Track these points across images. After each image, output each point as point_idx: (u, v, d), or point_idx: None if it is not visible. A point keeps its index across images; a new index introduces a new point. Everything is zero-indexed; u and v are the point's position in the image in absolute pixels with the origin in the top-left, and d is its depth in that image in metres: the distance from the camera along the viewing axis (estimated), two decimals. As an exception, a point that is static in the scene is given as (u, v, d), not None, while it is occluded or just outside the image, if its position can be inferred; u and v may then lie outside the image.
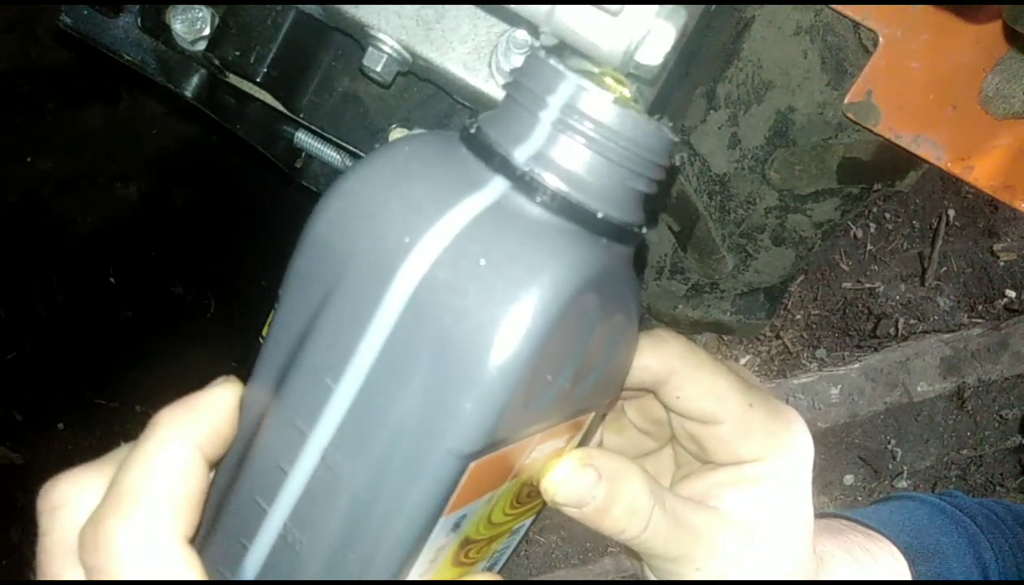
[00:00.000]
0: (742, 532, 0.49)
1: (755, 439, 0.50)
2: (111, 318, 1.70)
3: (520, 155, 0.38)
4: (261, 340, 0.41)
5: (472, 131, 0.39)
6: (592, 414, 0.46)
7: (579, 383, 0.40)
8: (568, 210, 0.38)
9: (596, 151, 0.38)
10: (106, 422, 1.70)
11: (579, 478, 0.45)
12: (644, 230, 0.41)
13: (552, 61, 0.38)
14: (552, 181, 0.38)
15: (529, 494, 0.46)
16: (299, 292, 0.39)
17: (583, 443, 0.48)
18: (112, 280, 1.70)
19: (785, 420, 0.51)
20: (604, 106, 0.38)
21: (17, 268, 1.65)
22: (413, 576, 0.40)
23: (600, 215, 0.38)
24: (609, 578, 1.98)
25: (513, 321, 0.34)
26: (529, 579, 1.96)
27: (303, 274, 0.39)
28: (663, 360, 0.48)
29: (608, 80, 0.40)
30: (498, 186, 0.37)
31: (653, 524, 0.46)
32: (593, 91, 0.38)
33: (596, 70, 0.41)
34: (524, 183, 0.37)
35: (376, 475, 0.36)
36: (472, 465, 0.37)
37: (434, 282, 0.35)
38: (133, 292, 1.71)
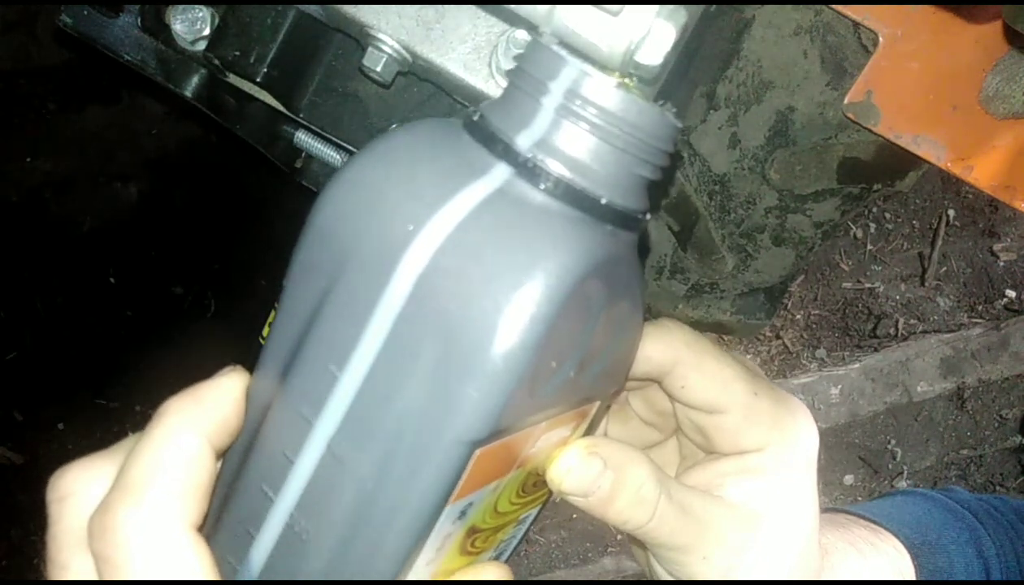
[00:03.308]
0: (748, 521, 0.49)
1: (760, 428, 0.49)
2: (111, 318, 1.70)
3: (523, 142, 0.38)
4: (262, 341, 0.41)
5: (475, 118, 0.39)
6: (598, 403, 0.46)
7: (584, 371, 0.40)
8: (572, 196, 0.38)
9: (599, 137, 0.38)
10: (106, 422, 1.70)
11: (585, 467, 0.44)
12: (648, 217, 0.41)
13: (554, 47, 0.38)
14: (555, 167, 0.37)
15: (535, 483, 0.46)
16: (303, 282, 0.39)
17: (588, 433, 0.48)
18: (112, 280, 1.70)
19: (790, 409, 0.51)
20: (607, 91, 0.38)
21: (17, 268, 1.65)
22: (420, 563, 0.40)
23: (604, 201, 0.38)
24: (609, 578, 1.98)
25: (518, 308, 0.34)
26: (529, 579, 1.96)
27: (307, 264, 0.39)
28: (668, 349, 0.48)
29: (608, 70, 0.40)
30: (501, 173, 0.37)
31: (659, 513, 0.46)
32: (596, 76, 0.38)
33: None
34: (527, 170, 0.37)
35: (382, 463, 0.36)
36: (477, 452, 0.37)
37: (438, 269, 0.35)
38: (133, 292, 1.70)
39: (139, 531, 0.37)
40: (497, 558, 0.49)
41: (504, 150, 0.38)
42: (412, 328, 0.35)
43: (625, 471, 0.45)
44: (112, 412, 1.71)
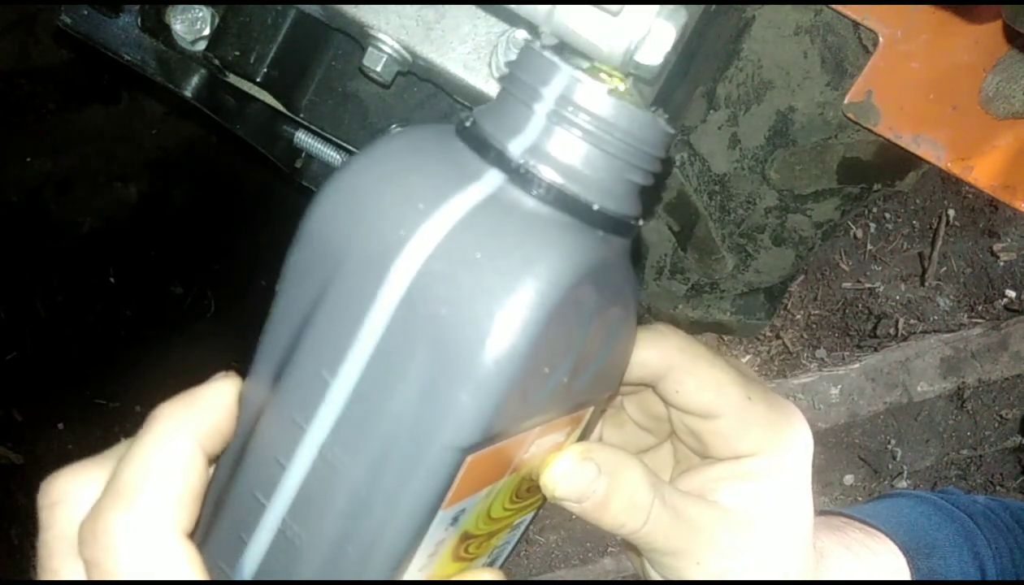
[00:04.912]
0: (742, 526, 0.49)
1: (754, 433, 0.49)
2: (111, 318, 1.70)
3: (515, 148, 0.38)
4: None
5: (467, 124, 0.39)
6: (591, 408, 0.46)
7: (577, 376, 0.40)
8: (564, 202, 0.38)
9: (591, 143, 0.38)
10: (106, 422, 1.70)
11: (579, 472, 0.44)
12: (640, 222, 0.41)
13: (547, 53, 0.38)
14: (548, 173, 0.37)
15: (529, 489, 0.46)
16: (295, 287, 0.39)
17: (583, 438, 0.48)
18: (112, 280, 1.70)
19: (784, 414, 0.51)
20: (599, 97, 0.38)
21: (17, 268, 1.65)
22: (412, 570, 0.40)
23: (596, 207, 0.38)
24: (609, 578, 1.98)
25: (509, 313, 0.34)
26: (529, 579, 1.96)
27: (299, 268, 0.39)
28: (662, 354, 0.48)
29: (603, 74, 0.40)
30: (493, 179, 0.37)
31: (653, 518, 0.46)
32: (587, 82, 0.38)
33: (587, 65, 0.41)
34: (520, 176, 0.37)
35: (374, 469, 0.36)
36: (469, 458, 0.37)
37: (430, 275, 0.35)
38: (133, 292, 1.71)
39: (129, 537, 0.36)
40: (491, 564, 0.49)
41: (496, 156, 0.38)
42: (404, 333, 0.35)
43: (619, 476, 0.45)
44: (112, 412, 1.71)
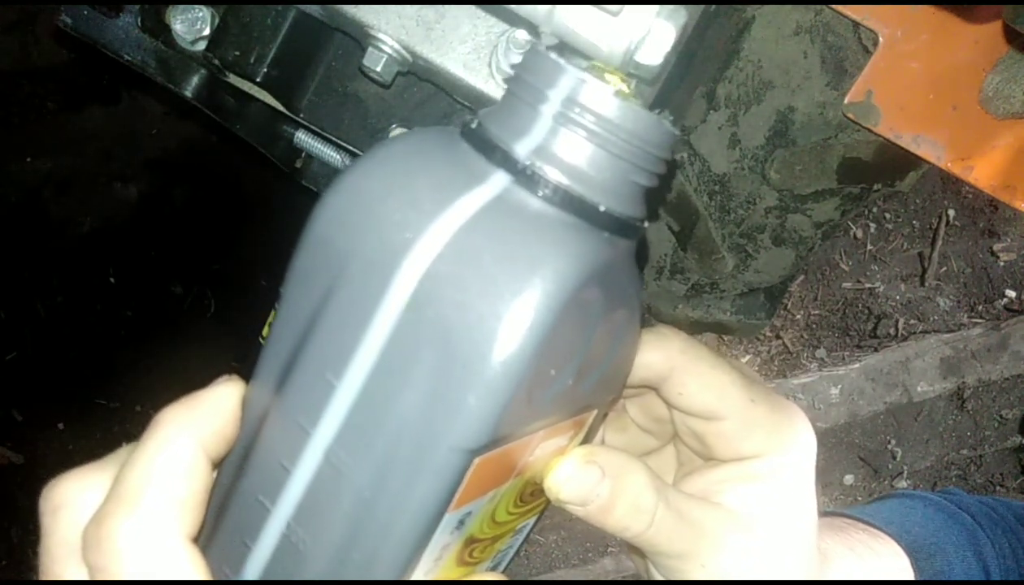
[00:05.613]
0: (746, 528, 0.49)
1: (758, 435, 0.49)
2: (111, 318, 1.70)
3: (521, 149, 0.38)
4: (262, 340, 0.41)
5: (473, 126, 0.39)
6: (595, 412, 0.46)
7: (582, 379, 0.40)
8: (570, 203, 0.37)
9: (597, 144, 0.38)
10: (106, 422, 1.70)
11: (583, 476, 0.44)
12: (646, 224, 0.41)
13: (552, 55, 0.38)
14: (554, 175, 0.37)
15: (532, 493, 0.46)
16: (301, 290, 0.39)
17: (586, 441, 0.48)
18: (112, 280, 1.70)
19: (787, 415, 0.51)
20: (605, 99, 0.38)
21: (17, 268, 1.65)
22: (417, 574, 0.40)
23: (602, 208, 0.38)
24: (609, 578, 1.98)
25: (516, 315, 0.34)
26: (529, 579, 1.96)
27: (304, 272, 0.39)
28: (665, 356, 0.48)
29: (607, 74, 0.40)
30: (500, 180, 0.37)
31: (657, 521, 0.46)
32: (593, 84, 0.38)
33: (589, 65, 0.41)
34: (526, 177, 0.37)
35: (380, 472, 0.36)
36: (476, 461, 0.36)
37: (436, 277, 0.35)
38: (133, 292, 1.71)
39: (133, 541, 0.36)
40: (495, 568, 0.49)
41: (502, 158, 0.38)
42: (410, 336, 0.35)
43: (623, 479, 0.45)
44: (112, 412, 1.71)
